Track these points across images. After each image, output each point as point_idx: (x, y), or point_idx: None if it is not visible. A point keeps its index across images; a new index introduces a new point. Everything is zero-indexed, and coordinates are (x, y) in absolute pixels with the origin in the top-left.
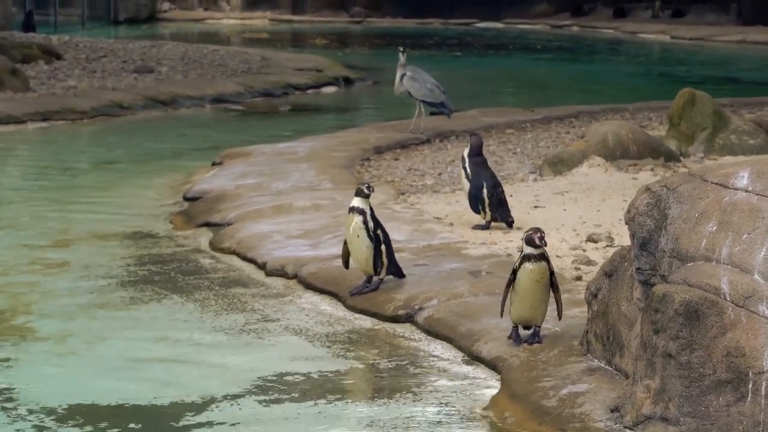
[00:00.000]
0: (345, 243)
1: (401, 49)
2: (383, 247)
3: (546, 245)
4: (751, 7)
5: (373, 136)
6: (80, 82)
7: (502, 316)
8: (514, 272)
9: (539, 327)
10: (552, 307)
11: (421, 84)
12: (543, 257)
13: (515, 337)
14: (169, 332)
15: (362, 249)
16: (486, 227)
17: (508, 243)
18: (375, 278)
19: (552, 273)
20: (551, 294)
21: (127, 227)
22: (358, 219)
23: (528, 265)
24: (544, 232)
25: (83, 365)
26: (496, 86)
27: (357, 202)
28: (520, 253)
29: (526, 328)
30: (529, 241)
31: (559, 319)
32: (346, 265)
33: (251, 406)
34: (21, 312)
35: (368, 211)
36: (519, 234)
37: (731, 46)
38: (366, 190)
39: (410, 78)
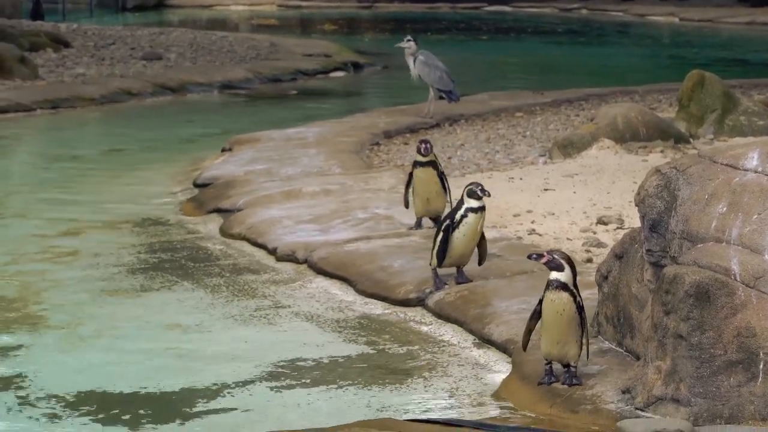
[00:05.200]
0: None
1: (408, 37)
2: None
3: (559, 269)
4: None
5: (382, 120)
6: (89, 70)
7: (525, 350)
8: (540, 302)
9: (575, 366)
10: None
11: (432, 69)
12: (565, 288)
13: (548, 373)
14: (179, 319)
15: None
16: None
17: (518, 226)
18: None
19: (580, 308)
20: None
21: (136, 214)
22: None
23: (549, 295)
24: (552, 254)
25: (94, 353)
26: (505, 70)
27: (475, 202)
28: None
29: (564, 365)
30: (547, 264)
31: (586, 359)
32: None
33: (263, 392)
34: (32, 301)
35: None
36: (529, 216)
37: (740, 28)
38: (480, 192)
39: (422, 63)
